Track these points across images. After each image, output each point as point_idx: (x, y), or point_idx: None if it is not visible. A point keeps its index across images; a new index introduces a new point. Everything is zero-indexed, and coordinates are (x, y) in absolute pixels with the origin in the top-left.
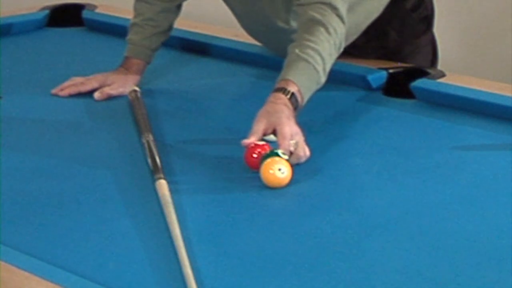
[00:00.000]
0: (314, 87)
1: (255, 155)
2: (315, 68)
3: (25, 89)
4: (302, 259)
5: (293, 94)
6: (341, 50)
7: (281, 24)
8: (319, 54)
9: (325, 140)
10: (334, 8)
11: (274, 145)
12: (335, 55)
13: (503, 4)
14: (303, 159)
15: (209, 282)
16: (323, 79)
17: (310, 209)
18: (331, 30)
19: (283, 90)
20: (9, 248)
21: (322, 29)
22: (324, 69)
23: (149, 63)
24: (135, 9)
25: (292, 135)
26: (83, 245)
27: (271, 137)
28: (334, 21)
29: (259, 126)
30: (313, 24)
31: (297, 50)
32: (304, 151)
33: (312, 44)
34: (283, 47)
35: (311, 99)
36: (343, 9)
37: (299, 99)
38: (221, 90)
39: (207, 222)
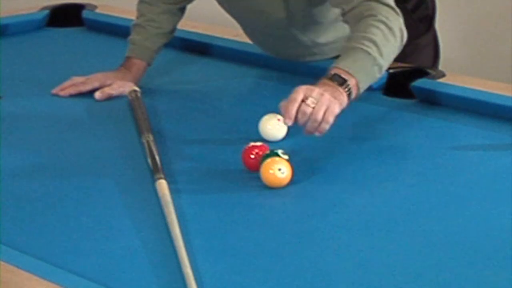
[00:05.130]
0: (367, 63)
1: (252, 156)
2: (364, 50)
3: (25, 89)
4: (302, 259)
5: (334, 74)
6: (404, 34)
7: (280, 21)
8: (369, 39)
9: (325, 140)
10: (378, 0)
11: (273, 145)
12: (392, 39)
13: (503, 4)
14: (315, 124)
15: (209, 282)
16: (381, 61)
17: (310, 209)
18: (380, 17)
19: (327, 75)
20: (9, 248)
21: (369, 19)
22: (380, 52)
23: (150, 65)
24: (138, 10)
25: (307, 95)
26: (83, 245)
27: (272, 137)
28: (381, 9)
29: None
30: (361, 19)
31: (347, 43)
32: (317, 114)
33: (360, 34)
34: (286, 51)
35: None
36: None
37: (344, 76)
38: (221, 90)
39: (207, 222)
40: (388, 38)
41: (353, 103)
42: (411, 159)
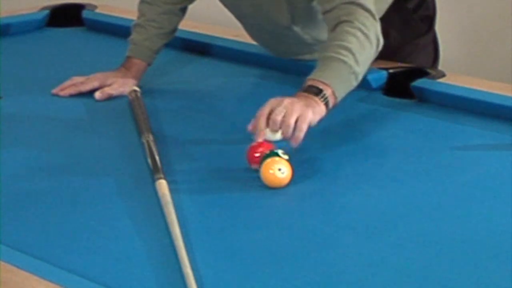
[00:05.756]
0: (343, 72)
1: (257, 154)
2: (340, 59)
3: (25, 89)
4: (302, 259)
5: (309, 86)
6: (380, 40)
7: (282, 18)
8: (344, 47)
9: (325, 140)
10: (358, 4)
11: (278, 144)
12: (368, 46)
13: (503, 4)
14: (288, 130)
15: (209, 282)
16: (357, 69)
17: (310, 209)
18: (357, 23)
19: (302, 88)
20: (9, 248)
21: (345, 25)
22: (355, 60)
23: (150, 65)
24: (139, 10)
25: (274, 106)
26: (83, 245)
27: (275, 136)
28: (359, 14)
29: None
30: (338, 23)
31: (323, 53)
32: (288, 120)
33: (336, 42)
34: (287, 49)
35: None
36: (368, 3)
37: (319, 86)
38: (221, 90)
39: (207, 222)
40: (364, 45)
41: (353, 103)
42: (411, 159)
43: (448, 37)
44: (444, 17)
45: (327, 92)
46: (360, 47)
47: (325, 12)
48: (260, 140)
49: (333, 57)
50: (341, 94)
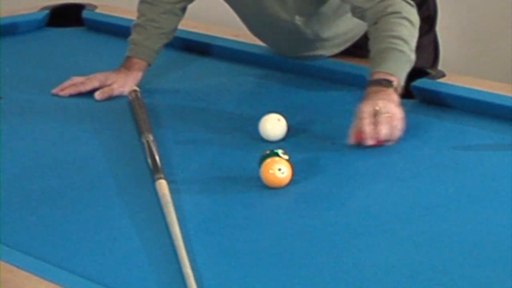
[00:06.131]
0: (402, 61)
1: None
2: (397, 49)
3: (25, 89)
4: (302, 259)
5: (381, 79)
6: (418, 21)
7: (286, 18)
8: (399, 37)
9: (325, 140)
10: None
11: (273, 145)
12: (415, 32)
13: (503, 4)
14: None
15: (209, 282)
16: (412, 56)
17: (310, 209)
18: (403, 13)
19: (372, 82)
20: (9, 248)
21: (391, 17)
22: (410, 48)
23: (151, 65)
24: (138, 10)
25: (375, 110)
26: (83, 245)
27: (272, 137)
28: (399, 4)
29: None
30: (382, 16)
31: (377, 45)
32: (393, 122)
33: (388, 33)
34: (287, 45)
35: (310, 99)
36: None
37: (388, 78)
38: (221, 90)
39: (207, 222)
40: (412, 32)
41: (353, 103)
42: (411, 159)
43: (448, 37)
44: (444, 17)
45: (395, 83)
46: (410, 35)
47: (362, 12)
48: (371, 143)
49: (390, 48)
50: (403, 81)
